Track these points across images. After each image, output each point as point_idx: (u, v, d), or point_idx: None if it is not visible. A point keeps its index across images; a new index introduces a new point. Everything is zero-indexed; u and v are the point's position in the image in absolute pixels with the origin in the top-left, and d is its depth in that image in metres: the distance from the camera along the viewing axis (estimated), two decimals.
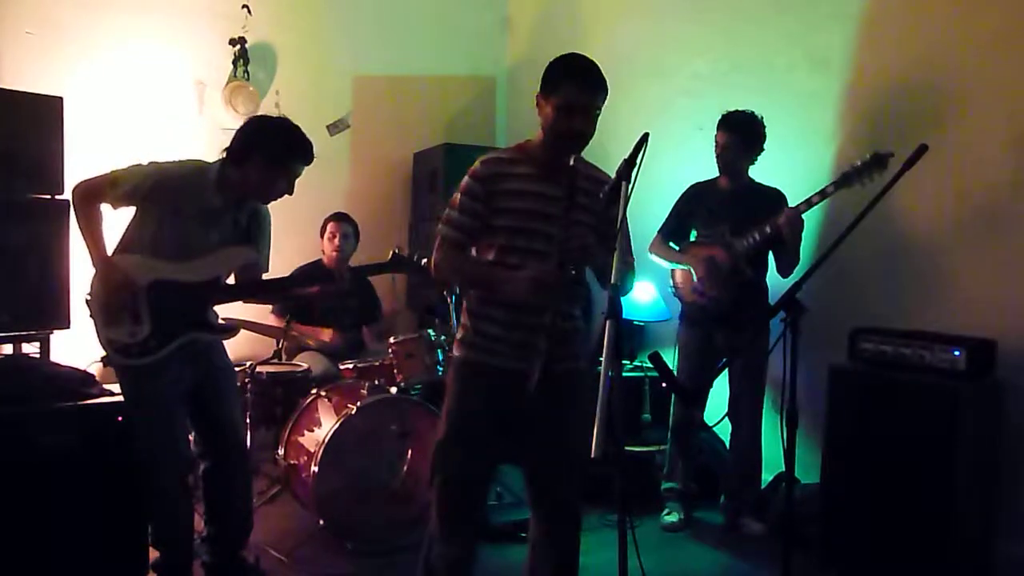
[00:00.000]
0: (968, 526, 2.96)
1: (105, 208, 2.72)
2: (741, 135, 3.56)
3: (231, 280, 2.96)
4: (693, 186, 3.79)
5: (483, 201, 2.27)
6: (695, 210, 3.73)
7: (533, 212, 2.26)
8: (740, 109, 3.60)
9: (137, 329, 2.67)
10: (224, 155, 2.75)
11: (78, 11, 4.40)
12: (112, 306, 2.66)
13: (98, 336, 2.70)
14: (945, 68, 3.37)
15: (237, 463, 2.96)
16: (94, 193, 2.69)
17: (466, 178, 2.31)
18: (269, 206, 2.94)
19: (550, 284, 2.16)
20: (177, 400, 2.76)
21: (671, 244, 3.80)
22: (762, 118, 3.59)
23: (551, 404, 2.29)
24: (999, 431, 3.05)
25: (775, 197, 3.56)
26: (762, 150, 3.62)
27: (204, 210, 2.72)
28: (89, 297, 2.72)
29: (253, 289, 2.97)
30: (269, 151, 2.71)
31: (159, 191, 2.68)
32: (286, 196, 2.79)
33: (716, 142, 3.64)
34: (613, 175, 2.04)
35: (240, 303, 3.40)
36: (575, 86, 2.21)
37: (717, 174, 3.71)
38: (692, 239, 3.76)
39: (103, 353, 2.76)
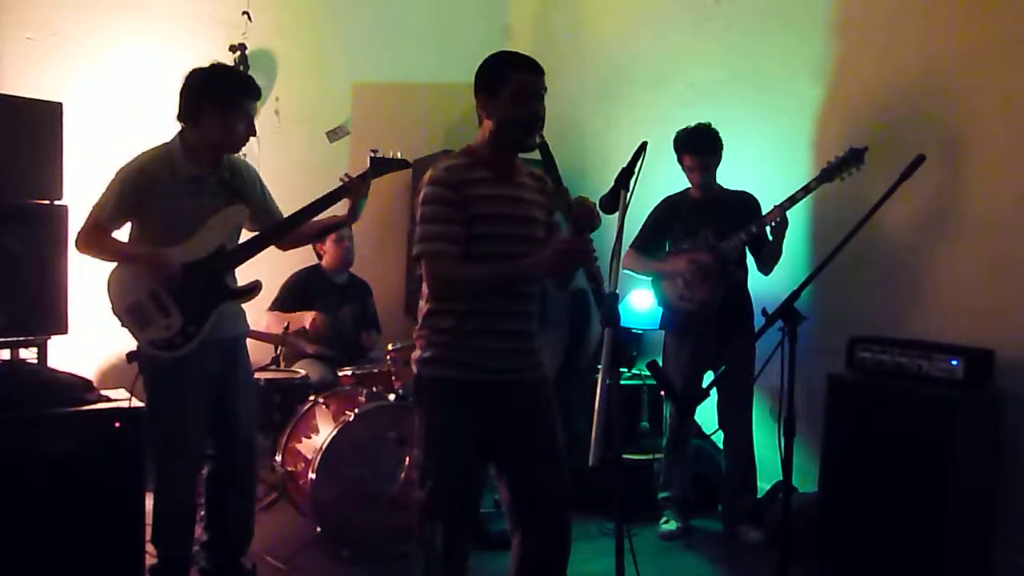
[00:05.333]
0: (966, 536, 2.96)
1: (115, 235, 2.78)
2: (713, 153, 3.63)
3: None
4: (666, 199, 3.82)
5: (459, 207, 2.17)
6: (670, 222, 3.76)
7: (505, 216, 2.23)
8: (694, 126, 3.65)
9: (170, 321, 2.71)
10: (178, 123, 2.77)
11: (78, 17, 4.40)
12: (137, 308, 2.70)
13: (139, 342, 2.73)
14: (943, 77, 3.38)
15: (242, 468, 2.96)
16: (89, 232, 2.75)
17: (431, 189, 2.18)
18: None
19: (576, 249, 2.12)
20: (199, 398, 2.79)
21: (646, 257, 3.81)
22: (709, 124, 3.64)
23: (535, 416, 2.28)
24: (997, 441, 3.05)
25: (749, 201, 3.67)
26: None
27: (186, 182, 2.75)
28: (115, 312, 2.74)
29: (258, 243, 2.88)
30: (217, 98, 2.72)
31: (138, 187, 2.72)
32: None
33: (686, 166, 3.67)
34: (611, 184, 2.05)
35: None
36: (524, 72, 2.21)
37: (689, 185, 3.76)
38: (667, 251, 3.77)
39: (132, 348, 2.78)
